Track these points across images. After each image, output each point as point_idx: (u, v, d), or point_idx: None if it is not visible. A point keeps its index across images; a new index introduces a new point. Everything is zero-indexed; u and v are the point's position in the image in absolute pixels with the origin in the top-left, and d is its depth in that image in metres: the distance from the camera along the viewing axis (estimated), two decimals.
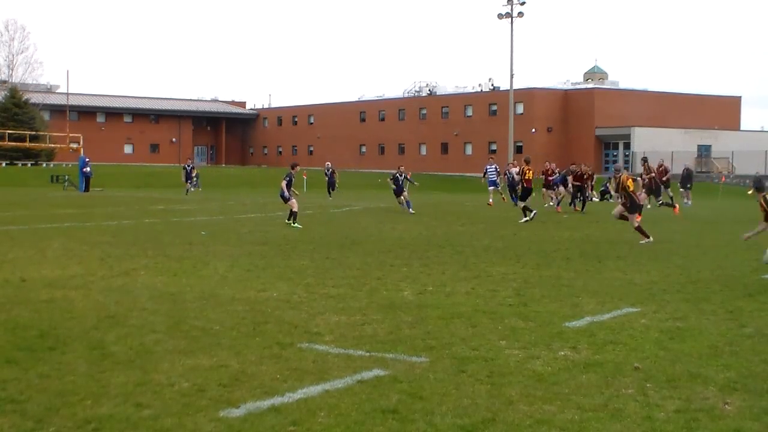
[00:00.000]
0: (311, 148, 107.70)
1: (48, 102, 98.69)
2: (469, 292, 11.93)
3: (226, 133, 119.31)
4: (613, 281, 13.21)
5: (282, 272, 13.84)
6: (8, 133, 74.67)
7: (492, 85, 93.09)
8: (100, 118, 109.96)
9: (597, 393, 6.79)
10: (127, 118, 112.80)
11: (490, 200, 37.18)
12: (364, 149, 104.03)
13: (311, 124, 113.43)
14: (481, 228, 24.19)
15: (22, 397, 6.47)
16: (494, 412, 6.27)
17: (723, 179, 57.89)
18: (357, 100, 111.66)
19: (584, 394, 6.76)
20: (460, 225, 25.12)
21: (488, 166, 37.62)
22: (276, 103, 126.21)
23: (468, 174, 45.37)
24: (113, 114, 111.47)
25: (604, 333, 9.13)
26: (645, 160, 33.45)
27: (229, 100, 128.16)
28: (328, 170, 45.95)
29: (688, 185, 40.87)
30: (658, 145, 76.41)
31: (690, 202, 39.75)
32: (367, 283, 12.70)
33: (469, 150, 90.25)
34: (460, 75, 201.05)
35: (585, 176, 33.88)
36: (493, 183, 37.34)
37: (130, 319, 9.63)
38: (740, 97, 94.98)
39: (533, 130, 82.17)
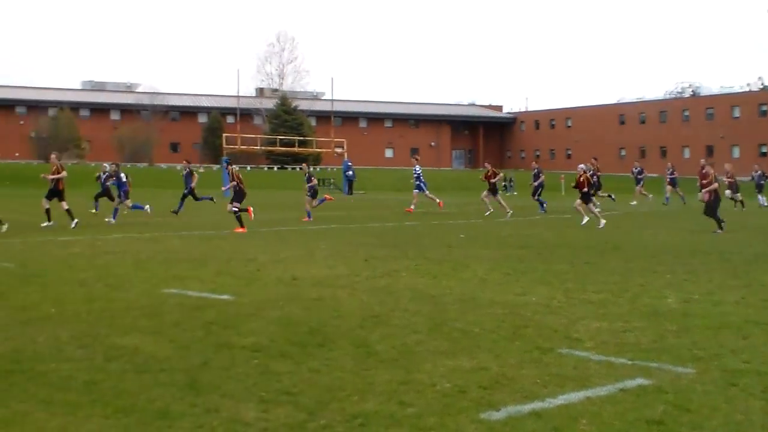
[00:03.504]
0: (569, 152, 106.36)
1: (314, 108, 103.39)
2: (739, 301, 11.33)
3: (484, 137, 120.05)
4: None
5: (541, 276, 13.74)
6: (279, 139, 78.86)
7: (762, 84, 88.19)
8: (363, 123, 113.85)
9: None
10: (388, 123, 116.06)
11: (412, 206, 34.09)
12: (623, 152, 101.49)
13: (569, 127, 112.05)
14: (749, 234, 22.94)
15: (296, 389, 6.80)
16: None
17: None
18: (616, 102, 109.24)
19: None
20: (727, 231, 23.92)
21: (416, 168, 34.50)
22: (533, 107, 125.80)
23: (739, 178, 42.87)
24: (375, 119, 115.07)
25: None
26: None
27: (486, 104, 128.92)
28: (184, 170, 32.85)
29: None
30: None
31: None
32: (629, 289, 12.36)
33: (736, 153, 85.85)
34: (725, 74, 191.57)
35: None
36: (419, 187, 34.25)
37: (393, 319, 9.88)
38: None
39: None
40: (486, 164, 33.85)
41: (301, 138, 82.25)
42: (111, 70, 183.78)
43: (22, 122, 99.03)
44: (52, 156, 25.68)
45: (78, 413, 6.12)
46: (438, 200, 34.33)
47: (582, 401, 6.56)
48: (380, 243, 19.69)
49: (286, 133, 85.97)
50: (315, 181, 29.23)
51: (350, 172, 57.27)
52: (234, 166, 25.40)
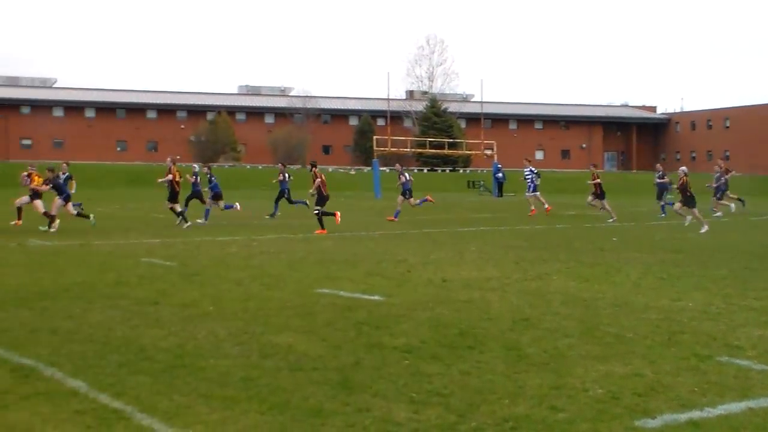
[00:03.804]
0: (727, 153, 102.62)
1: (464, 110, 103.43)
2: None
3: (637, 139, 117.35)
4: None
5: (698, 281, 13.32)
6: (429, 141, 79.27)
7: None
8: (512, 125, 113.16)
9: None
10: (538, 125, 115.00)
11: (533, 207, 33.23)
12: None
13: (727, 128, 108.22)
14: None
15: (446, 391, 6.82)
16: None
17: None
18: None
19: None
20: None
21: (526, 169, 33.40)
22: (689, 107, 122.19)
23: None
24: (525, 121, 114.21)
25: None
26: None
27: (640, 105, 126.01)
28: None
29: None
30: None
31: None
32: None
33: None
34: None
35: None
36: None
37: (543, 323, 9.78)
38: None
39: None
40: (591, 166, 32.70)
41: (451, 140, 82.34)
42: (266, 74, 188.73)
43: (182, 126, 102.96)
44: (168, 159, 26.63)
45: (235, 408, 6.32)
46: (533, 207, 33.56)
47: (744, 412, 6.32)
48: (530, 245, 19.51)
49: (436, 135, 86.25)
50: (403, 179, 28.79)
51: (500, 174, 56.88)
52: (318, 168, 25.36)
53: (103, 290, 11.98)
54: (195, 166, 30.42)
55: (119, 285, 12.50)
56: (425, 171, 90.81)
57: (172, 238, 20.72)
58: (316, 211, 23.64)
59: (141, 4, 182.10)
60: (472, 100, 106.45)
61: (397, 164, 32.29)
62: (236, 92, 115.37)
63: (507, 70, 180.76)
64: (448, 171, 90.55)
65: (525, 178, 33.68)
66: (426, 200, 30.07)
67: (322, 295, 11.69)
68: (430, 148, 79.92)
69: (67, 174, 25.87)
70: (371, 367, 7.61)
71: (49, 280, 12.97)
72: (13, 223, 22.50)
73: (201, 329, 9.23)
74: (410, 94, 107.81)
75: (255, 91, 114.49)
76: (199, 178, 27.94)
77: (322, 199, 23.83)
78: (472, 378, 7.25)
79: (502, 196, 55.57)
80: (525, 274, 14.17)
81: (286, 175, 30.63)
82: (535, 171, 33.62)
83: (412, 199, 28.84)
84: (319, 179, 23.95)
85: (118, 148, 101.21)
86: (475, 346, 8.49)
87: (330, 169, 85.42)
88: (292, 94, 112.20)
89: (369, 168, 71.61)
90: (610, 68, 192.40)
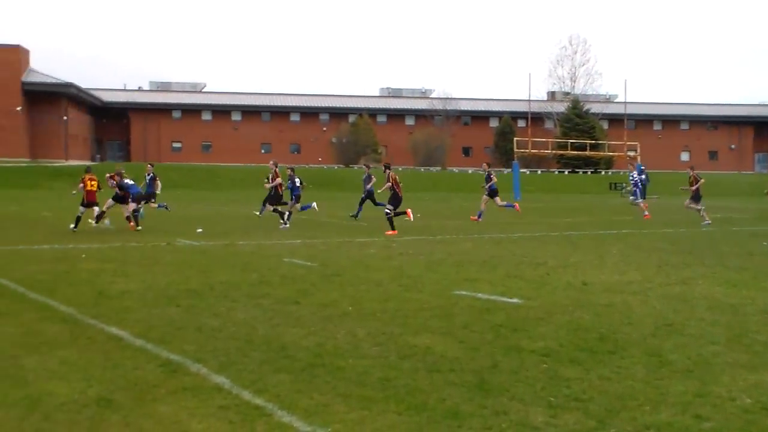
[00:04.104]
0: None
1: (606, 111, 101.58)
2: None
3: None
4: None
5: None
6: (570, 143, 78.24)
7: None
8: (657, 126, 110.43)
9: None
10: (684, 125, 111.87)
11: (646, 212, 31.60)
12: None
13: None
14: None
15: (585, 396, 6.72)
16: None
17: None
18: None
19: None
20: None
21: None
22: None
23: None
24: (670, 121, 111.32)
25: None
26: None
27: None
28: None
29: None
30: None
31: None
32: None
33: None
34: None
35: None
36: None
37: (687, 329, 9.51)
38: None
39: None
40: (689, 169, 31.01)
41: (593, 141, 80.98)
42: (407, 76, 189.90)
43: (324, 129, 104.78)
44: (270, 162, 27.03)
45: (373, 408, 6.39)
46: (646, 211, 32.35)
47: None
48: (674, 249, 19.00)
49: (578, 137, 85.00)
50: (494, 179, 28.25)
51: (643, 176, 55.60)
52: (391, 169, 25.10)
53: (246, 289, 12.30)
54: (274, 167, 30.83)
55: (262, 284, 12.81)
56: (566, 173, 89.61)
57: (312, 239, 21.08)
58: (387, 212, 23.93)
59: (286, 10, 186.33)
60: (616, 100, 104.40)
61: (484, 164, 31.70)
62: (377, 94, 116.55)
63: (652, 69, 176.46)
64: (589, 173, 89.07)
65: (635, 184, 33.24)
66: (512, 206, 29.73)
67: (460, 297, 11.68)
68: (571, 150, 78.83)
69: (151, 175, 26.65)
70: (509, 370, 7.56)
71: (196, 278, 13.41)
72: (138, 228, 22.83)
73: (340, 329, 9.36)
74: (552, 95, 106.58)
75: (396, 93, 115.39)
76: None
77: (396, 200, 24.22)
78: (612, 383, 7.12)
79: (645, 198, 54.26)
80: (668, 278, 13.80)
81: (371, 176, 30.13)
82: (636, 177, 33.24)
83: (498, 199, 28.53)
84: (391, 179, 24.32)
85: (263, 150, 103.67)
86: (615, 351, 8.33)
87: (470, 171, 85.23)
88: (432, 95, 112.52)
89: (509, 169, 71.12)
90: (761, 66, 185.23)
